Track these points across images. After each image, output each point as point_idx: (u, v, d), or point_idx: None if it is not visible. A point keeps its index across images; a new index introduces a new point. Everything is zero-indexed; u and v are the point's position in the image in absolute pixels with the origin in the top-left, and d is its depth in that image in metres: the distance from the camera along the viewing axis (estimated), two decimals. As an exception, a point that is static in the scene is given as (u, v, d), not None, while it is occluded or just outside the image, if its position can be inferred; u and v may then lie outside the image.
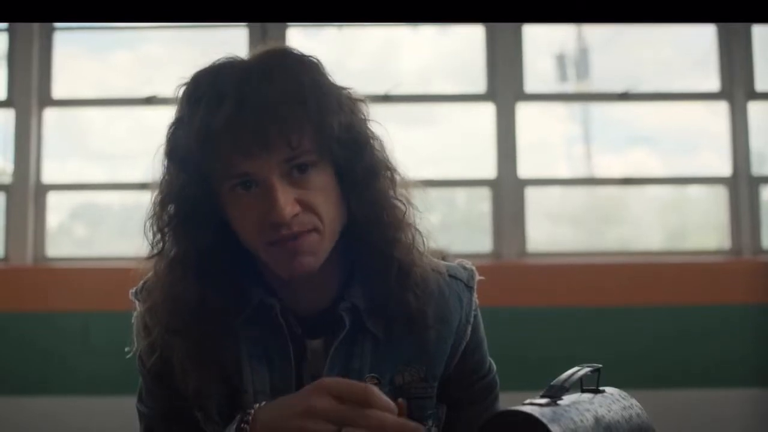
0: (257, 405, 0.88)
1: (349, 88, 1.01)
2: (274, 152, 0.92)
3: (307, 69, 0.97)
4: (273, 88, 0.92)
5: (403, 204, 1.04)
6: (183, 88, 0.98)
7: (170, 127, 0.98)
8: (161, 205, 1.00)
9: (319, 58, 1.00)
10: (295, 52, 0.99)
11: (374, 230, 1.01)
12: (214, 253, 0.99)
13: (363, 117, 1.02)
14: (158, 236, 1.01)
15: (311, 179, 0.95)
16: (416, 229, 1.05)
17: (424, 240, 1.06)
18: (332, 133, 0.96)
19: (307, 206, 0.95)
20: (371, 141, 1.02)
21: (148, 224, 1.01)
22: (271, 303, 1.01)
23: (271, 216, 0.93)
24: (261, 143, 0.92)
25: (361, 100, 1.02)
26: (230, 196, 0.95)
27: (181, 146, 0.95)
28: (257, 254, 0.98)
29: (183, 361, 0.98)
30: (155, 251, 1.01)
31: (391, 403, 0.81)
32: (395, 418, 0.81)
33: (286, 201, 0.92)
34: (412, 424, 0.82)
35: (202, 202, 0.97)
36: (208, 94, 0.93)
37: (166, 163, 0.99)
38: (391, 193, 1.03)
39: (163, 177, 1.00)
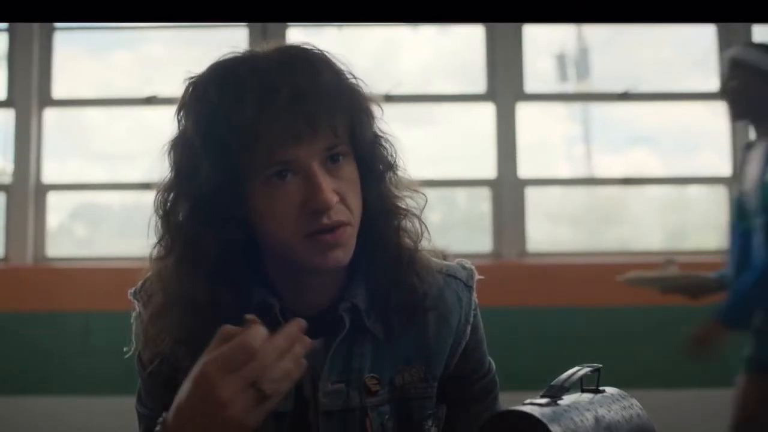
0: (161, 421, 0.85)
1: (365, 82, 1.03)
2: (320, 139, 0.93)
3: (336, 60, 0.99)
4: (321, 75, 0.94)
5: (410, 196, 1.06)
6: (202, 81, 0.97)
7: (198, 122, 0.95)
8: (173, 202, 0.98)
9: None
10: (312, 45, 0.99)
11: (384, 221, 1.03)
12: (224, 251, 0.97)
13: (380, 111, 1.03)
14: (167, 236, 0.99)
15: (343, 170, 0.96)
16: (421, 221, 1.06)
17: (428, 231, 1.07)
18: (370, 125, 0.99)
19: (341, 198, 0.96)
20: (388, 136, 1.04)
21: (157, 224, 1.00)
22: (271, 302, 1.00)
23: (314, 203, 0.92)
24: (311, 129, 0.92)
25: (376, 95, 1.03)
26: (264, 186, 0.94)
27: (220, 134, 0.93)
28: (286, 247, 0.96)
29: (188, 367, 0.98)
30: (163, 252, 1.00)
31: (262, 330, 0.81)
32: (281, 338, 0.81)
33: (328, 188, 0.93)
34: (288, 329, 0.82)
35: (225, 196, 0.95)
36: (253, 84, 0.92)
37: (191, 157, 0.96)
38: (401, 186, 1.05)
39: (178, 172, 0.98)
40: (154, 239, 1.01)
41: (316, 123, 0.92)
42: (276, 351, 0.80)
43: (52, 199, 3.96)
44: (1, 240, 3.90)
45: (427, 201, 1.07)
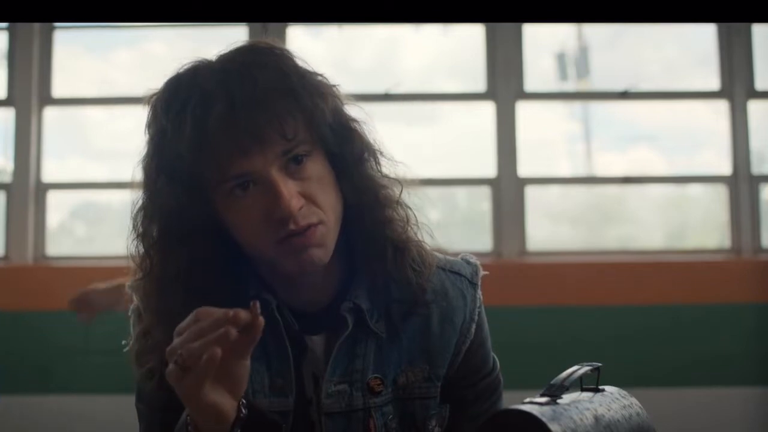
0: None
1: (323, 74, 1.00)
2: (270, 147, 0.92)
3: (286, 59, 0.97)
4: (259, 82, 0.92)
5: (392, 183, 1.04)
6: (156, 99, 0.96)
7: (152, 141, 0.96)
8: (147, 222, 0.98)
9: (288, 48, 0.99)
10: (264, 45, 0.98)
11: (367, 212, 1.01)
12: (208, 263, 0.97)
13: (343, 101, 1.01)
14: (145, 256, 0.98)
15: (308, 169, 0.95)
16: (408, 207, 1.04)
17: (416, 216, 1.05)
18: (324, 120, 0.95)
19: (309, 199, 0.94)
20: (356, 124, 1.01)
21: (133, 245, 0.99)
22: (267, 299, 0.99)
23: (277, 212, 0.91)
24: (256, 139, 0.90)
25: (336, 85, 1.01)
26: (228, 200, 0.94)
27: (170, 158, 0.93)
28: (262, 255, 0.97)
29: None
30: (142, 273, 0.99)
31: (211, 311, 0.81)
32: (207, 321, 0.81)
33: (290, 194, 0.92)
34: (219, 315, 0.80)
35: (196, 213, 0.95)
36: (192, 99, 0.92)
37: (151, 178, 0.96)
38: (380, 173, 1.03)
39: (147, 193, 0.98)
40: (134, 262, 1.00)
41: (260, 132, 0.90)
42: (194, 332, 0.80)
43: (53, 197, 3.96)
44: (1, 239, 3.89)
45: (404, 187, 1.04)
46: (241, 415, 0.86)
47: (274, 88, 0.92)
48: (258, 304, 0.81)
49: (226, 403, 0.83)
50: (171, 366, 0.80)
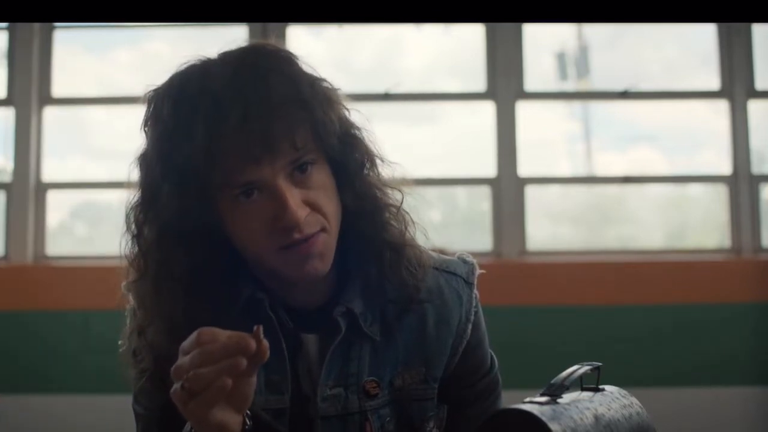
0: None
1: (326, 79, 0.99)
2: (281, 156, 0.91)
3: (294, 64, 0.96)
4: (273, 90, 0.91)
5: (392, 189, 1.04)
6: (160, 96, 0.95)
7: (157, 141, 0.94)
8: (144, 222, 0.97)
9: (292, 51, 0.98)
10: (271, 48, 0.97)
11: (366, 217, 1.01)
12: (205, 264, 0.96)
13: (346, 107, 1.00)
14: (140, 257, 0.97)
15: (313, 178, 0.94)
16: (406, 212, 1.04)
17: (414, 221, 1.05)
18: (334, 130, 0.95)
19: (313, 206, 0.94)
20: (358, 131, 1.01)
21: (128, 245, 0.98)
22: (260, 297, 0.99)
23: (283, 220, 0.91)
24: (269, 149, 0.90)
25: (338, 89, 1.00)
26: (232, 205, 0.93)
27: (177, 160, 0.91)
28: (262, 261, 0.96)
29: None
30: (137, 274, 0.98)
31: (217, 333, 0.79)
32: (217, 346, 0.79)
33: (296, 203, 0.91)
34: (231, 342, 0.78)
35: (198, 215, 0.93)
36: (203, 103, 0.90)
37: (153, 178, 0.95)
38: (380, 179, 1.03)
39: (147, 192, 0.96)
40: (129, 262, 0.99)
41: (272, 142, 0.90)
42: (202, 356, 0.78)
43: (53, 197, 3.96)
44: (1, 238, 3.89)
45: (403, 192, 1.03)
46: (246, 427, 0.86)
47: (287, 97, 0.91)
48: (261, 329, 0.79)
49: (232, 420, 0.82)
50: (177, 387, 0.79)
